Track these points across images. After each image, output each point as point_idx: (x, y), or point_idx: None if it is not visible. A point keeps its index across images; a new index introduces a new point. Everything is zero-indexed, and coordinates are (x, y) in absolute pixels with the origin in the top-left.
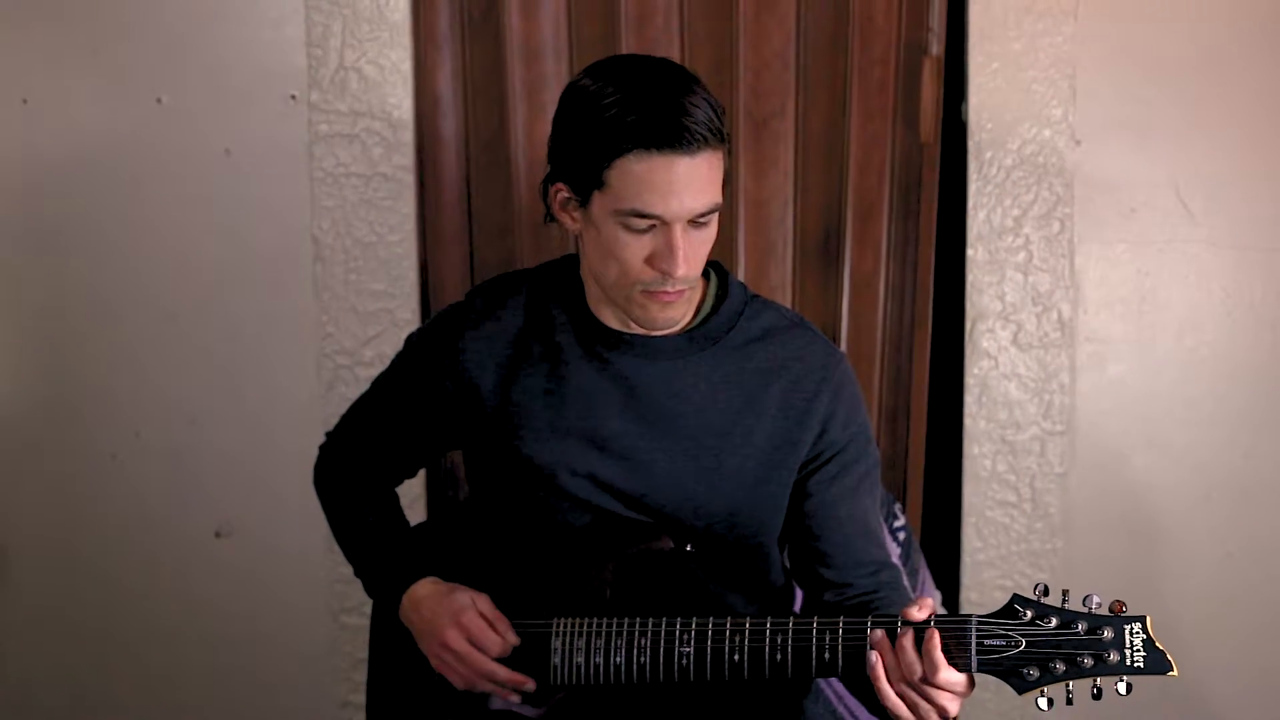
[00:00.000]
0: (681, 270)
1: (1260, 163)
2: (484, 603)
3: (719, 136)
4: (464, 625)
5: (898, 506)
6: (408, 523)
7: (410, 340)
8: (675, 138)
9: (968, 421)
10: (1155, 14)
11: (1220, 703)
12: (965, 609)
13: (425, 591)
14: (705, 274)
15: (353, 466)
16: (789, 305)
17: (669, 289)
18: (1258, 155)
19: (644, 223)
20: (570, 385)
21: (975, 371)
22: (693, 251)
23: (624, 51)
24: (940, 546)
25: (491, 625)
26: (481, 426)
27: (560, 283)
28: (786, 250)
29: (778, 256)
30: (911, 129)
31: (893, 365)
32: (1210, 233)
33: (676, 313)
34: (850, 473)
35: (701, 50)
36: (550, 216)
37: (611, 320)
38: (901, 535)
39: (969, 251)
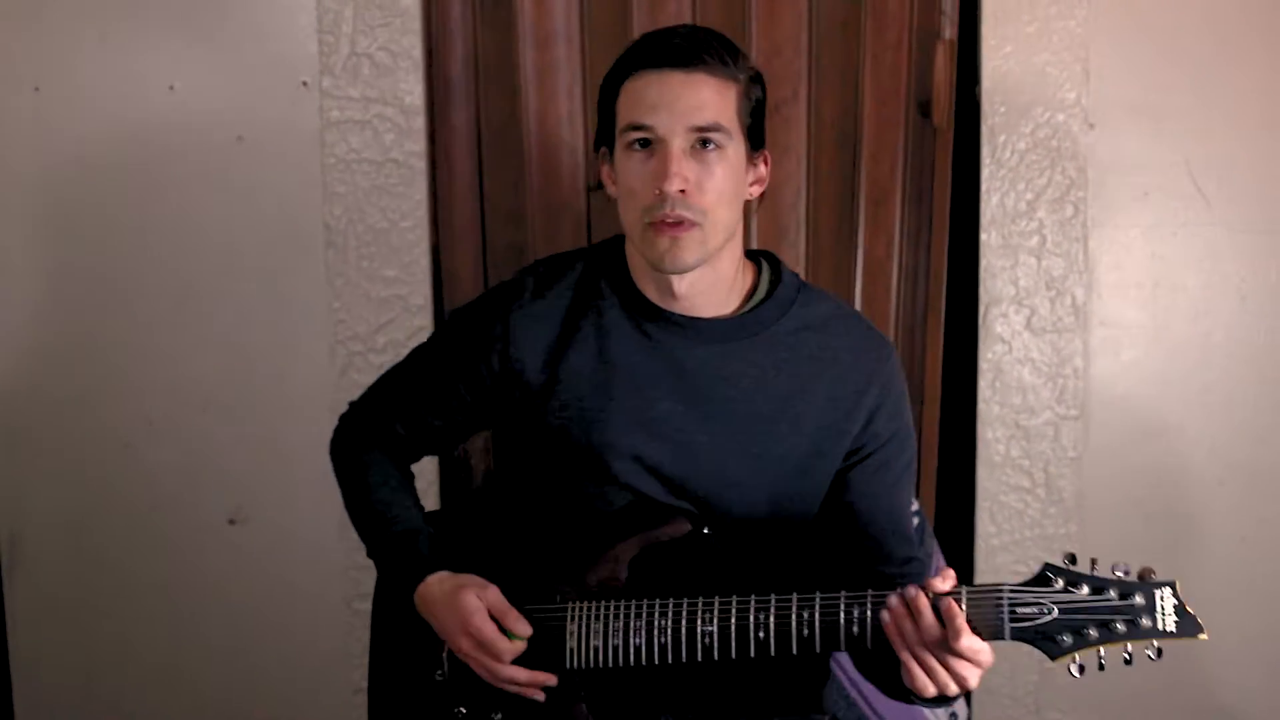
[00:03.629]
0: (675, 183)
1: (1274, 145)
2: (493, 597)
3: (727, 64)
4: (473, 632)
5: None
6: (420, 507)
7: (456, 315)
8: (670, 54)
9: (981, 406)
10: None
11: (1234, 686)
12: None
13: (435, 593)
14: (758, 263)
15: (374, 438)
16: None
17: (668, 212)
18: (1272, 138)
19: (641, 134)
20: (619, 365)
21: (989, 356)
22: (695, 176)
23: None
24: (954, 531)
25: (501, 624)
26: (525, 407)
27: (609, 258)
28: (799, 235)
29: (791, 241)
30: (925, 113)
31: (906, 350)
32: (1224, 216)
33: (686, 252)
34: (891, 468)
35: None
36: (598, 184)
37: (652, 293)
38: (915, 520)
39: (982, 236)
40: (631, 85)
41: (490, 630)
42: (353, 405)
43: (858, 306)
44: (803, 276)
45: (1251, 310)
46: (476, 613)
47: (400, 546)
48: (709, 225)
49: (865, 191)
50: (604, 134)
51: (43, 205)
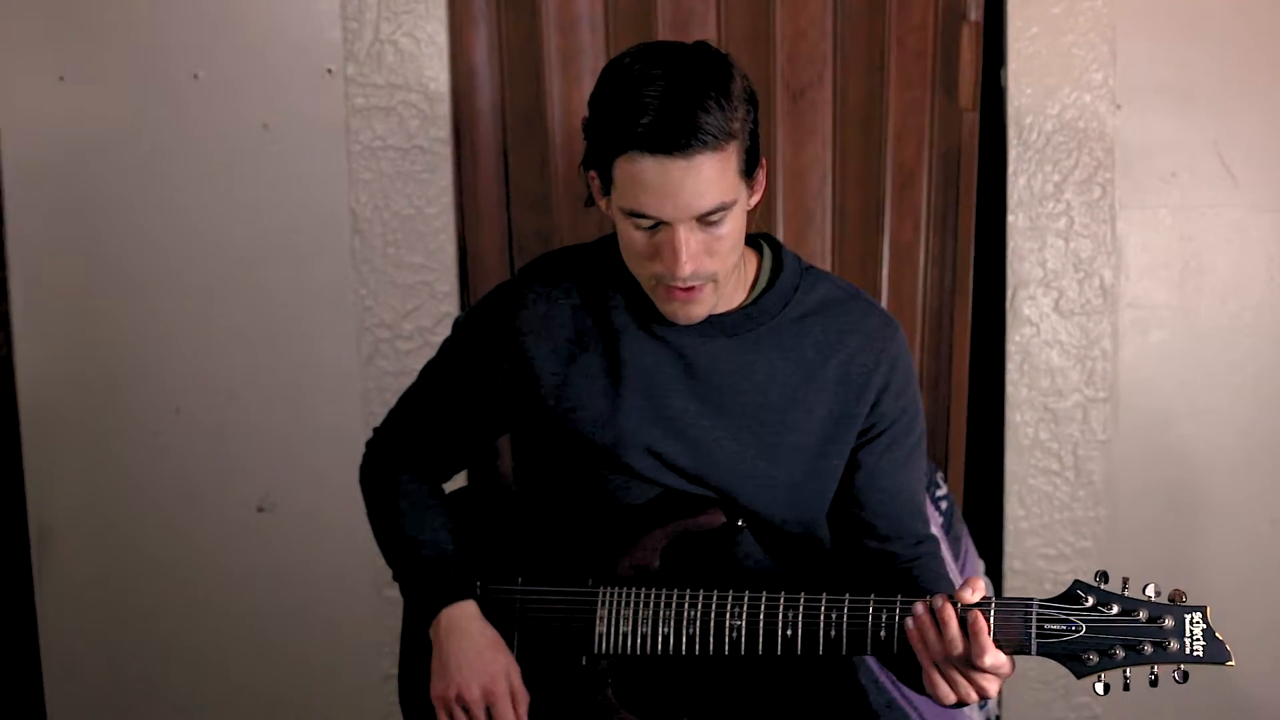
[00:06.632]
0: (686, 269)
1: None
2: (515, 675)
3: (725, 125)
4: (490, 698)
5: (940, 475)
6: (450, 529)
7: (460, 323)
8: (667, 143)
9: (1009, 389)
10: None
11: (1258, 671)
12: (1008, 578)
13: (465, 629)
14: (759, 247)
15: (402, 461)
16: None
17: (679, 285)
18: None
19: (646, 221)
20: (630, 364)
21: (1017, 339)
22: (703, 249)
23: (660, 20)
24: (983, 515)
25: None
26: (540, 407)
27: (613, 259)
28: (826, 219)
29: (817, 226)
30: (950, 96)
31: (934, 333)
32: (1253, 196)
33: (699, 309)
34: (901, 445)
35: (738, 19)
36: (591, 200)
37: None
38: (944, 504)
39: (1009, 218)
40: (628, 166)
41: (507, 709)
42: (376, 431)
43: (885, 289)
44: (829, 261)
45: None
46: (502, 680)
47: (429, 570)
48: (720, 276)
49: (891, 175)
50: (593, 163)
51: (68, 194)
